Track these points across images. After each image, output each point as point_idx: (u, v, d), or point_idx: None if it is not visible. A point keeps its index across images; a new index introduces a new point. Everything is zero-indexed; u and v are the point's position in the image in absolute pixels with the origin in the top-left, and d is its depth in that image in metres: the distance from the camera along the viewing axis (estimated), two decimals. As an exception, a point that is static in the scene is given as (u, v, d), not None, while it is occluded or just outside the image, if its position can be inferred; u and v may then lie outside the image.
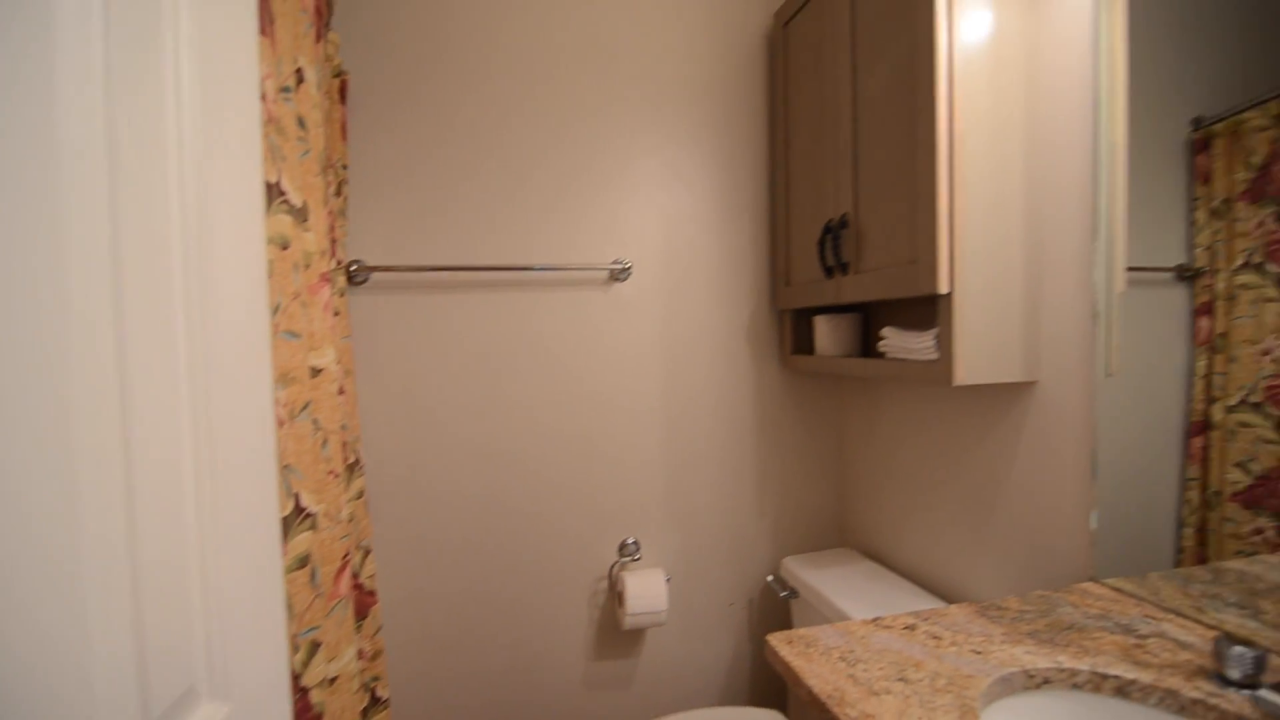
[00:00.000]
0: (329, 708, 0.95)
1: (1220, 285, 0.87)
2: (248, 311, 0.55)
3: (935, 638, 0.87)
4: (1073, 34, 1.06)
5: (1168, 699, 0.74)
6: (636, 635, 1.68)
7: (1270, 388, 0.82)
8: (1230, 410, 0.86)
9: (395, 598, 1.51)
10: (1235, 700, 0.71)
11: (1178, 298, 0.92)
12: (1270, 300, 0.82)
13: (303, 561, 0.86)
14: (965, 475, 1.32)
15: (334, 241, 1.21)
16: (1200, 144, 0.89)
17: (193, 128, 0.47)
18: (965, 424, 1.32)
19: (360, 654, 1.21)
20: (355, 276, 1.46)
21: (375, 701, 1.31)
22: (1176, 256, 0.92)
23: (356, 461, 1.28)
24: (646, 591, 1.55)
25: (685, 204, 1.67)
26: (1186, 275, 0.91)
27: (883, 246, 1.23)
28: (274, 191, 0.81)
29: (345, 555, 1.02)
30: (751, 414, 1.73)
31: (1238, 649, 0.73)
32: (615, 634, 1.67)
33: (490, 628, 1.57)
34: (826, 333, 1.52)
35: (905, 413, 1.51)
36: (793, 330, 1.67)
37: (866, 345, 1.57)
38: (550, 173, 1.58)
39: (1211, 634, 0.86)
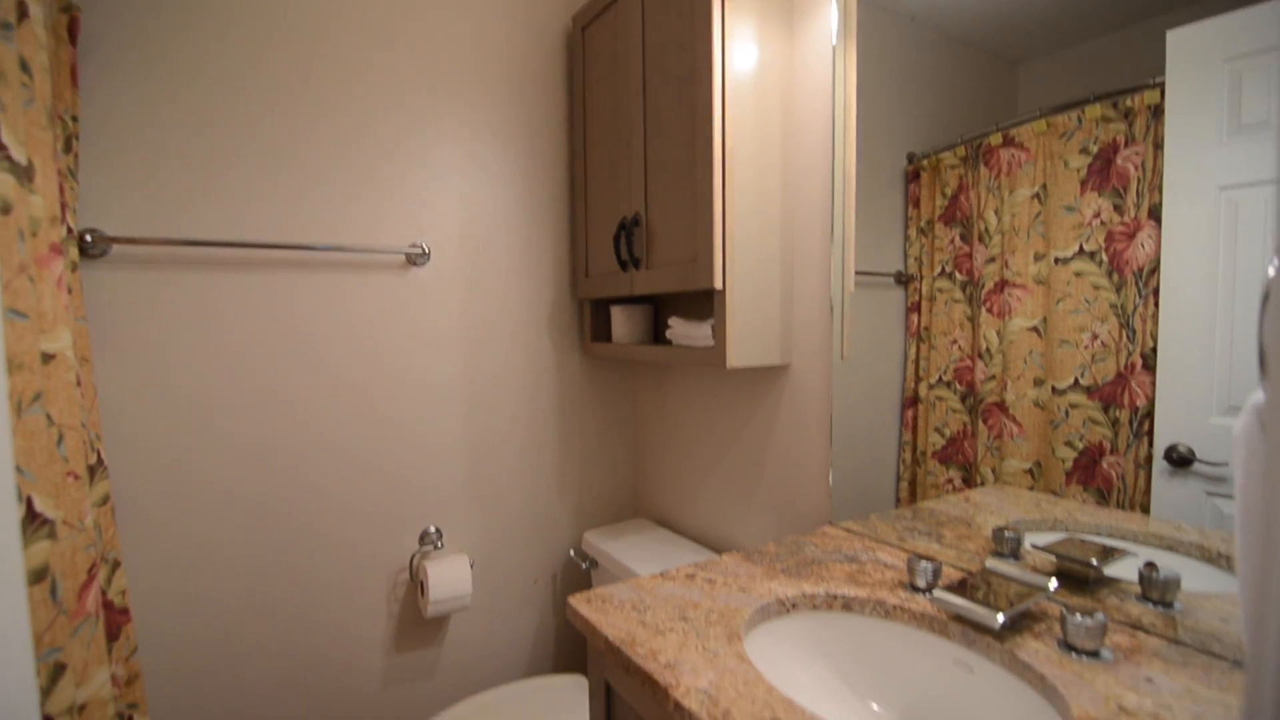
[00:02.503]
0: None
1: (925, 288, 1.13)
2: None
3: (710, 582, 1.02)
4: (816, 73, 1.28)
5: (878, 607, 0.95)
6: (439, 622, 1.67)
7: (957, 369, 1.08)
8: (931, 387, 1.12)
9: (153, 615, 1.33)
10: (921, 602, 0.94)
11: (896, 298, 1.17)
12: (957, 301, 1.07)
13: (40, 575, 0.74)
14: (738, 447, 1.53)
15: (64, 206, 1.03)
16: (912, 174, 1.14)
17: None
18: (737, 403, 1.52)
19: (114, 680, 1.05)
20: (91, 248, 1.24)
21: (128, 732, 1.15)
22: (896, 264, 1.17)
23: (99, 462, 1.11)
24: (449, 577, 1.55)
25: (486, 193, 1.68)
26: (902, 280, 1.16)
27: (669, 244, 1.37)
28: (-9, 145, 0.68)
29: (91, 568, 0.89)
30: (553, 398, 1.80)
31: (922, 563, 0.97)
32: (417, 624, 1.64)
33: (274, 639, 1.45)
34: (622, 322, 1.64)
35: (690, 395, 1.69)
36: (592, 319, 1.77)
37: (658, 333, 1.73)
38: (345, 152, 1.48)
39: (906, 556, 1.12)
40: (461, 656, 1.70)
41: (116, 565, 1.13)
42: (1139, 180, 0.85)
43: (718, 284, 1.24)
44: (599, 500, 1.90)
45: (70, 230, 1.08)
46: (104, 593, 1.08)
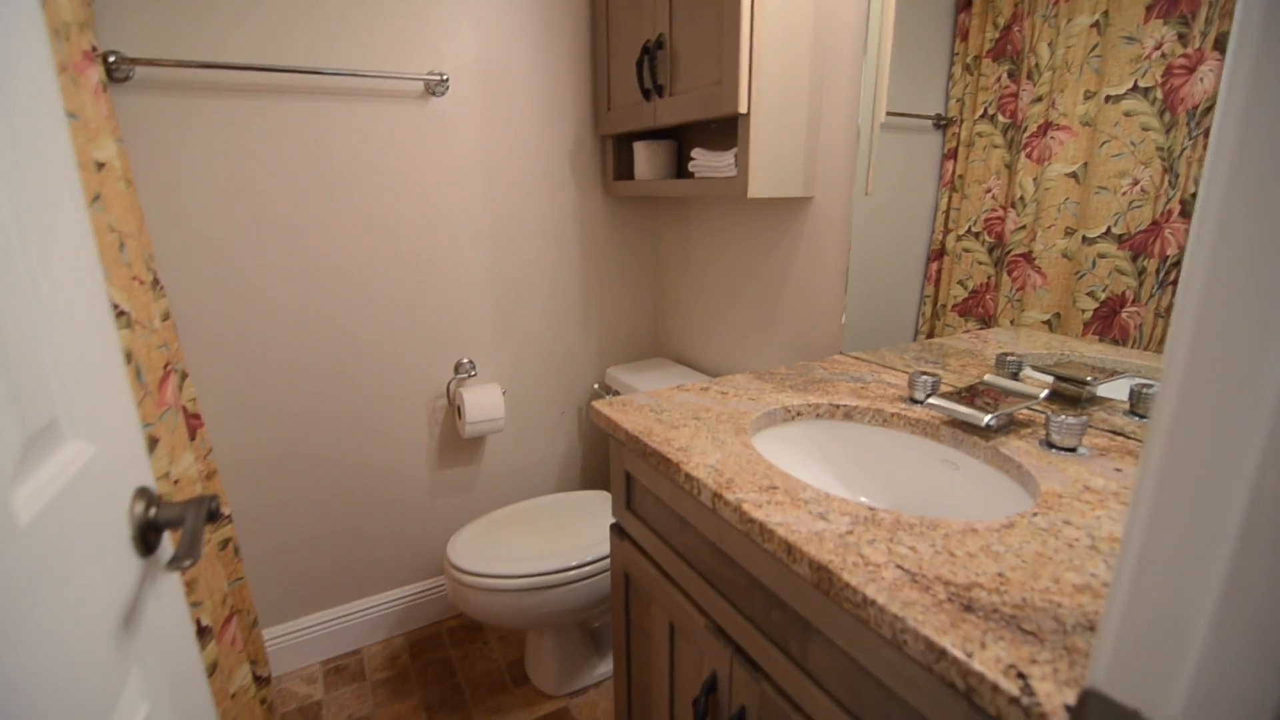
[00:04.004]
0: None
1: (964, 133, 1.08)
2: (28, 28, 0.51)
3: (722, 393, 1.10)
4: None
5: (876, 415, 1.03)
6: (477, 444, 1.83)
7: (988, 219, 1.07)
8: (959, 239, 1.12)
9: (221, 421, 1.48)
10: (918, 410, 1.01)
11: (933, 144, 1.13)
12: (996, 147, 1.04)
13: (126, 358, 0.84)
14: (756, 282, 1.56)
15: (89, 17, 1.02)
16: (964, 2, 1.06)
17: None
18: (759, 237, 1.53)
19: (202, 475, 1.21)
20: (115, 70, 1.24)
21: (215, 517, 1.33)
22: (936, 106, 1.12)
23: (156, 281, 1.19)
24: (483, 402, 1.68)
25: (505, 17, 1.60)
26: (941, 124, 1.12)
27: (694, 68, 1.32)
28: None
29: (165, 365, 0.99)
30: (576, 238, 1.83)
31: (923, 377, 1.03)
32: (456, 444, 1.80)
33: (331, 448, 1.62)
34: (645, 158, 1.62)
35: (712, 231, 1.70)
36: (614, 156, 1.75)
37: (680, 170, 1.70)
38: (350, -38, 1.41)
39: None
40: (497, 474, 1.88)
41: (185, 376, 1.25)
42: (1209, 4, 0.79)
43: (742, 108, 1.21)
44: (621, 339, 1.98)
45: (95, 48, 1.08)
46: (181, 404, 1.21)
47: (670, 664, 0.99)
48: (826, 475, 1.02)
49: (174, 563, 0.56)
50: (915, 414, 0.99)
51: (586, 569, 1.45)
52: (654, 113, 1.46)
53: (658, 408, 1.03)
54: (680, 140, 1.70)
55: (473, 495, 1.86)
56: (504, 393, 1.81)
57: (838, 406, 1.05)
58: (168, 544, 0.64)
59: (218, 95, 1.35)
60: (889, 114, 1.18)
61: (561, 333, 1.88)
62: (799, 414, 1.06)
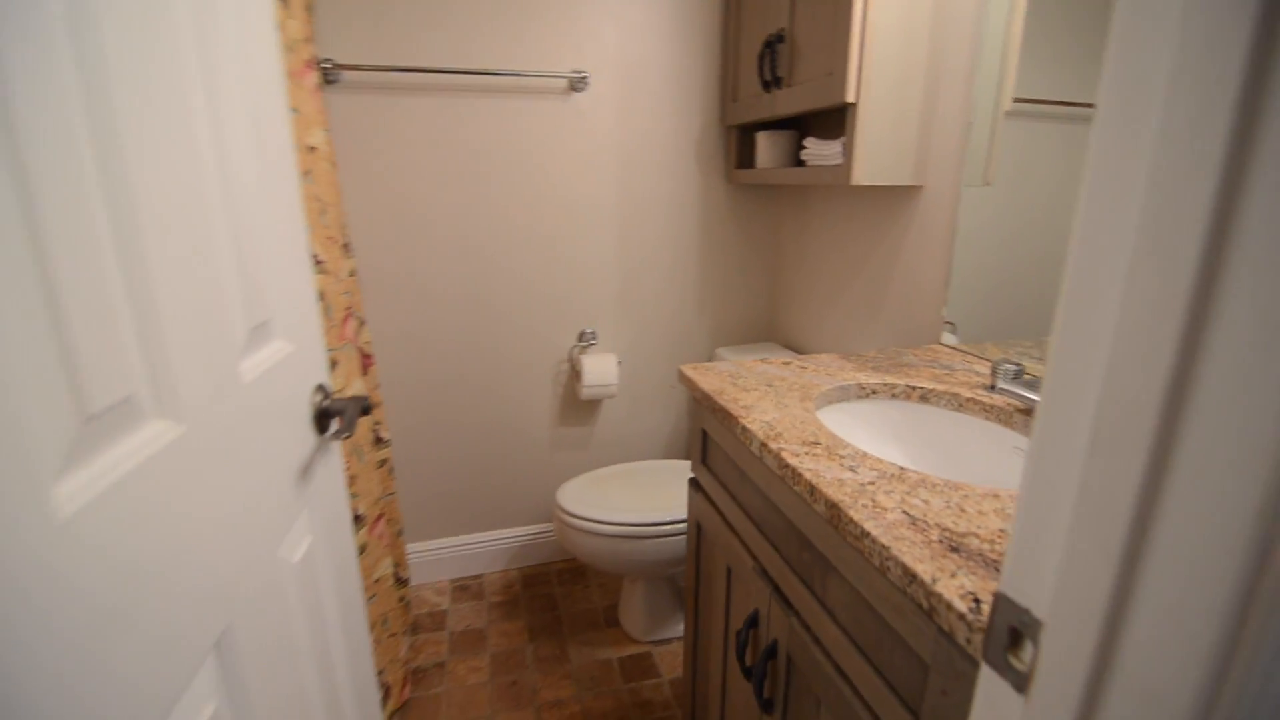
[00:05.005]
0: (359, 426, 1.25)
1: None
2: (266, 55, 0.72)
3: (802, 368, 1.17)
4: None
5: (952, 400, 1.05)
6: (593, 407, 2.02)
7: None
8: None
9: (389, 365, 1.79)
10: (995, 397, 1.02)
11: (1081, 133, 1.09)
12: None
13: (320, 296, 1.10)
14: (866, 270, 1.58)
15: (310, 34, 1.31)
16: None
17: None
18: (870, 225, 1.55)
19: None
20: (328, 74, 1.56)
21: (379, 441, 1.63)
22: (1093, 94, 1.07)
23: (348, 246, 1.48)
24: (600, 369, 1.86)
25: (644, 16, 1.74)
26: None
27: (810, 60, 1.38)
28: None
29: (348, 309, 1.26)
30: (697, 222, 1.95)
31: (1005, 365, 1.03)
32: (575, 405, 2.01)
33: (471, 400, 1.89)
34: (766, 147, 1.69)
35: (827, 220, 1.73)
36: (737, 145, 1.84)
37: (799, 159, 1.75)
38: (512, -24, 1.63)
39: (1001, 367, 1.17)
40: (608, 437, 2.06)
41: (362, 322, 1.55)
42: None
43: (849, 97, 1.26)
44: (734, 321, 2.07)
45: (314, 57, 1.38)
46: (358, 343, 1.50)
47: (726, 605, 1.09)
48: (893, 451, 1.06)
49: (336, 435, 0.77)
50: (992, 400, 1.00)
51: (676, 526, 1.57)
52: (773, 103, 1.53)
53: (736, 374, 1.13)
54: (802, 130, 1.75)
55: (586, 453, 2.06)
56: (619, 363, 1.98)
57: (914, 389, 1.08)
58: (333, 429, 0.85)
59: (404, 94, 1.63)
60: (1026, 100, 1.16)
61: (678, 312, 2.01)
62: (874, 392, 1.10)
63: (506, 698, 1.57)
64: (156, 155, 0.48)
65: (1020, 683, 0.39)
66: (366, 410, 0.84)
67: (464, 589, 1.99)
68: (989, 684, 0.41)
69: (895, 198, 1.45)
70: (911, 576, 0.56)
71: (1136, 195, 0.29)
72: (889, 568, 0.59)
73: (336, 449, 0.88)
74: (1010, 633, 0.40)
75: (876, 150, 1.30)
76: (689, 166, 1.89)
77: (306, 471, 0.77)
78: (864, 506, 0.67)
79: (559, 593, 1.97)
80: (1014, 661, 0.39)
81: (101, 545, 0.40)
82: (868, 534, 0.62)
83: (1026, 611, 0.42)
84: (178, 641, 0.48)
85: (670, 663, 1.69)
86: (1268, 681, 0.27)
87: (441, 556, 2.00)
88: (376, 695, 1.01)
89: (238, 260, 0.62)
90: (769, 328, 2.10)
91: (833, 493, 0.69)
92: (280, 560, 0.69)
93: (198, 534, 0.51)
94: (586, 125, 1.78)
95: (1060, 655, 0.36)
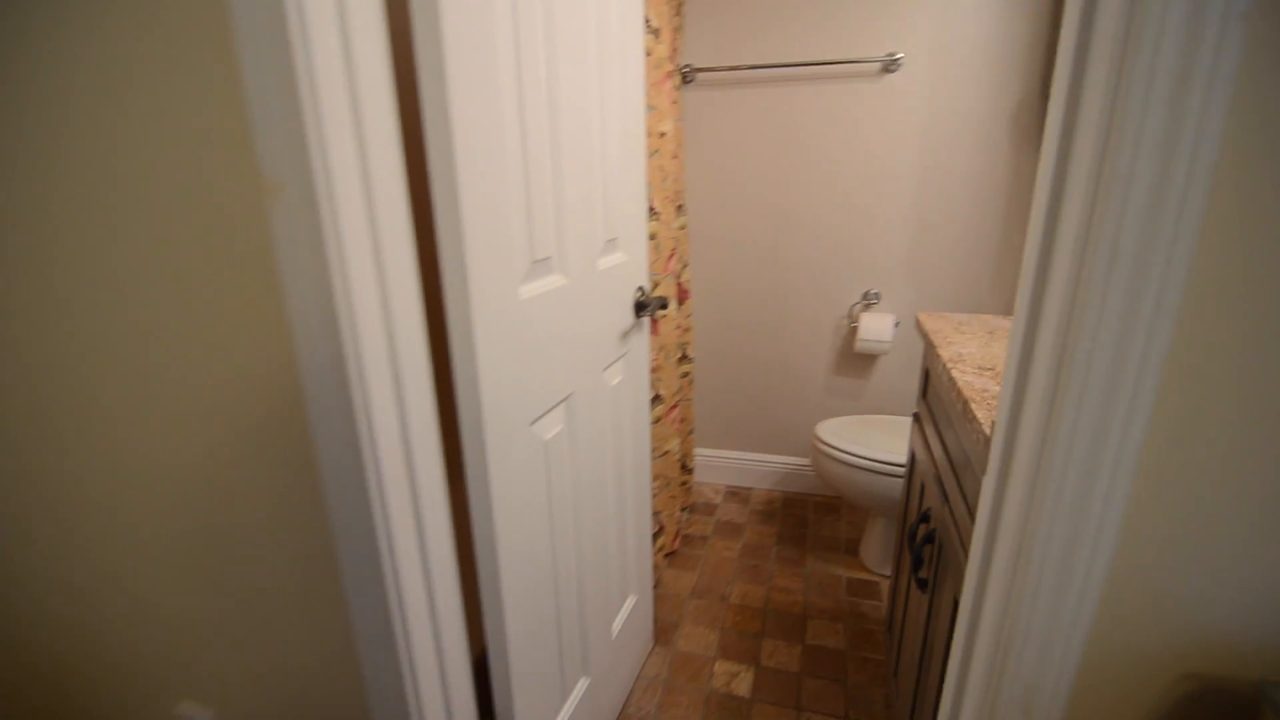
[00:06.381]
0: (666, 334, 1.76)
1: None
2: (633, 75, 1.19)
3: (1039, 327, 1.25)
4: None
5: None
6: (867, 361, 2.23)
7: None
8: None
9: (702, 299, 2.29)
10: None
11: None
12: None
13: (652, 236, 1.60)
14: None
15: (675, 51, 1.81)
16: None
17: (620, -3, 1.09)
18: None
19: (679, 326, 2.02)
20: (687, 77, 2.06)
21: (684, 358, 2.14)
22: None
23: (681, 206, 1.99)
24: (877, 326, 2.06)
25: (967, -6, 1.83)
26: None
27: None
28: (645, 23, 1.43)
29: (672, 251, 1.75)
30: (1003, 196, 1.96)
31: None
32: (852, 358, 2.24)
33: (763, 337, 2.28)
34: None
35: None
36: (1057, 116, 1.79)
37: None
38: (841, -24, 1.89)
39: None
40: (879, 390, 2.24)
41: (685, 265, 2.05)
42: None
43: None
44: (1033, 298, 2.02)
45: (676, 66, 1.88)
46: (678, 276, 2.01)
47: (919, 515, 1.28)
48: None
49: (645, 310, 1.23)
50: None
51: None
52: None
53: (965, 324, 1.28)
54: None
55: (855, 403, 2.28)
56: (896, 324, 2.13)
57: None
58: (644, 319, 1.33)
59: (741, 86, 2.05)
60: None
61: (965, 281, 2.06)
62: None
63: (747, 574, 1.96)
64: (572, 134, 0.97)
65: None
66: (664, 306, 1.29)
67: (734, 494, 2.43)
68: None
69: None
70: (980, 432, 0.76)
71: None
72: (970, 427, 0.79)
73: (645, 326, 1.36)
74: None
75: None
76: (999, 138, 1.91)
77: (625, 336, 1.26)
78: (986, 403, 0.85)
79: (811, 517, 2.26)
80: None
81: (534, 316, 0.90)
82: (975, 417, 0.82)
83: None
84: (553, 380, 0.98)
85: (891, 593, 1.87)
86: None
87: (722, 465, 2.47)
88: (648, 507, 1.50)
89: (603, 200, 1.11)
90: (1076, 309, 1.99)
91: (969, 393, 0.89)
92: (603, 378, 1.18)
93: (567, 334, 1.01)
94: (896, 103, 1.95)
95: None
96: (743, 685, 1.53)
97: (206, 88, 0.61)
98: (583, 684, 1.22)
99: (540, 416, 0.96)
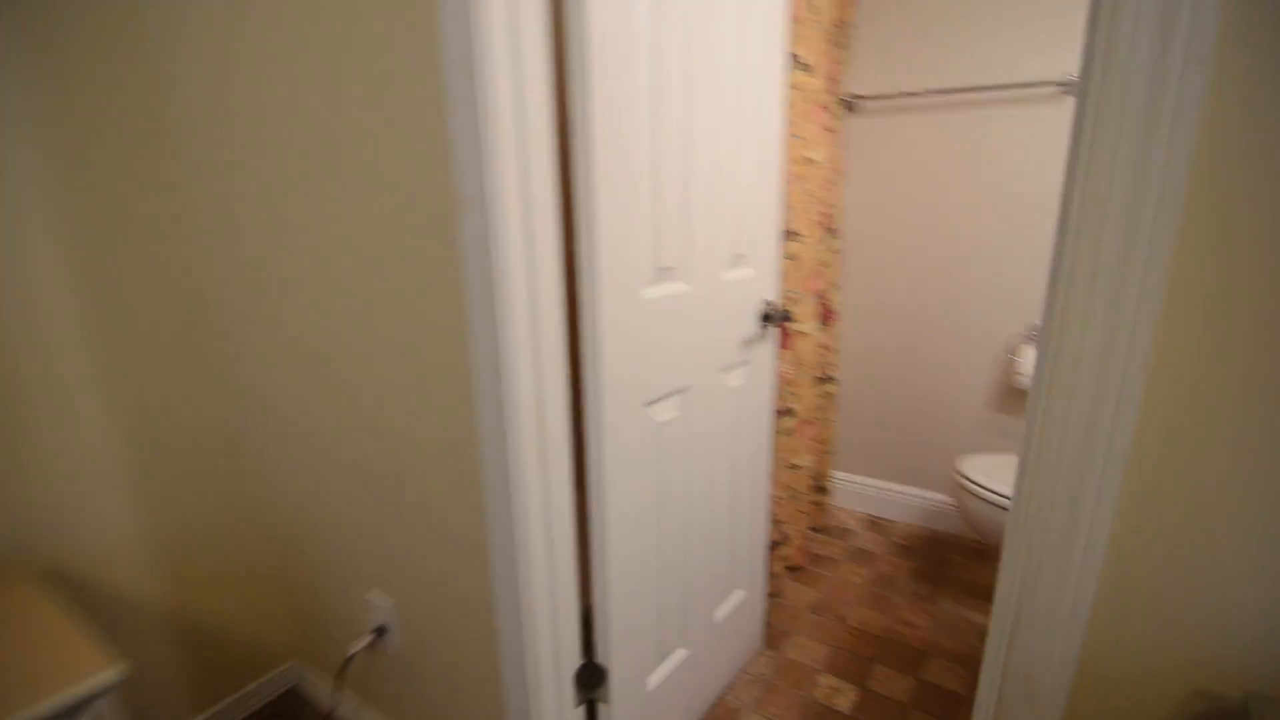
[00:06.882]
0: (804, 351, 1.83)
1: None
2: (770, 109, 1.32)
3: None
4: None
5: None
6: (1024, 396, 2.08)
7: None
8: None
9: (853, 322, 2.31)
10: None
11: None
12: None
13: (791, 256, 1.70)
14: None
15: (834, 81, 1.90)
16: None
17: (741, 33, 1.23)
18: None
19: (823, 345, 2.07)
20: (851, 105, 2.12)
21: (827, 378, 2.18)
22: None
23: (834, 229, 2.05)
24: (1040, 362, 1.93)
25: None
26: None
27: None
28: (794, 59, 1.55)
29: (817, 271, 1.82)
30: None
31: None
32: (1009, 392, 2.10)
33: (914, 365, 2.24)
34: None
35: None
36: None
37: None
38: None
39: None
40: (1045, 435, 2.08)
41: (835, 285, 2.10)
42: None
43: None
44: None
45: (837, 96, 1.96)
46: (823, 296, 2.07)
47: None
48: None
49: (770, 321, 1.34)
50: None
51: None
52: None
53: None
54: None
55: (1010, 441, 2.13)
56: (1068, 362, 1.97)
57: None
58: (770, 330, 1.43)
59: (905, 113, 2.07)
60: None
61: (1157, 321, 1.85)
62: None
63: (872, 601, 1.94)
64: (703, 165, 1.13)
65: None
66: (787, 318, 1.39)
67: (874, 524, 2.38)
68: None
69: None
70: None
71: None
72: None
73: (771, 337, 1.47)
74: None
75: None
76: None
77: (749, 344, 1.38)
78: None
79: (955, 559, 2.15)
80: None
81: (654, 315, 1.07)
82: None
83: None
84: (670, 372, 1.14)
85: (1038, 653, 1.73)
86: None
87: (863, 492, 2.44)
88: (765, 511, 1.59)
89: (733, 221, 1.25)
90: None
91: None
92: (721, 379, 1.31)
93: (686, 334, 1.16)
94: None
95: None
96: (844, 701, 1.54)
97: (425, 130, 0.87)
98: (680, 654, 1.35)
99: (655, 401, 1.13)
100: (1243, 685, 0.54)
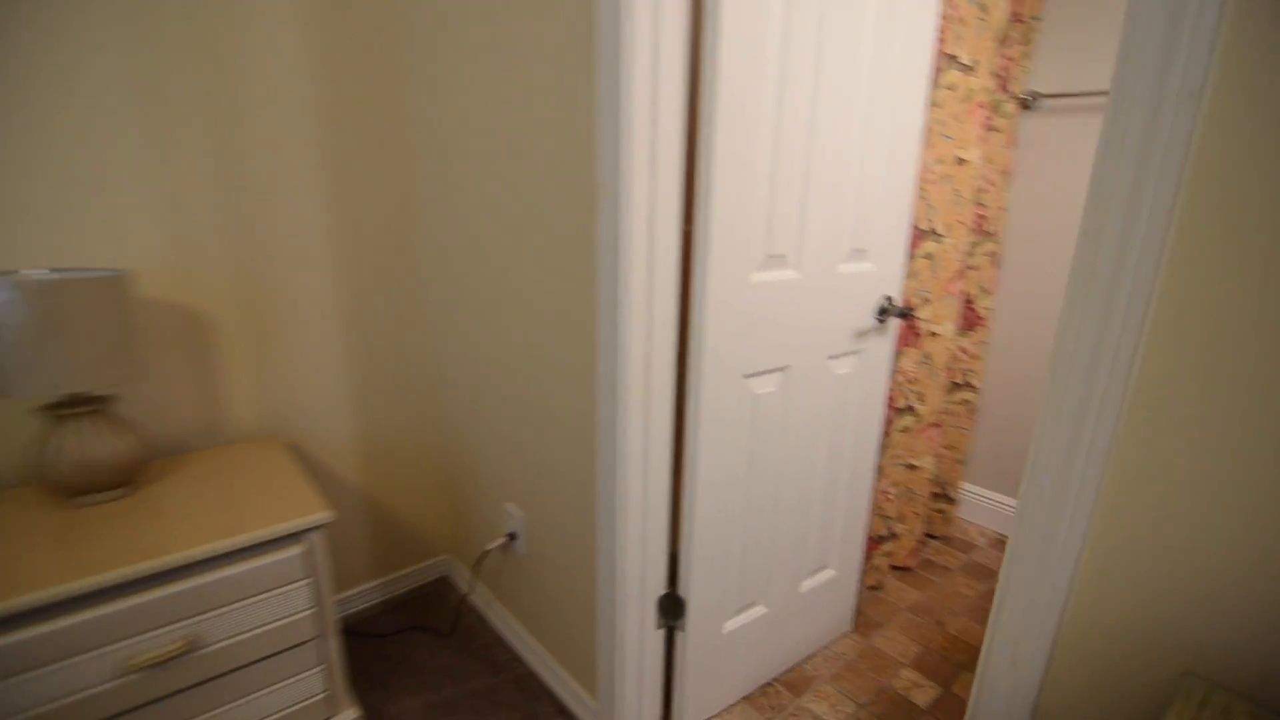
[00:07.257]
0: (934, 352, 1.82)
1: None
2: (909, 109, 1.36)
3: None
4: None
5: None
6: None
7: None
8: None
9: (1002, 330, 2.21)
10: None
11: None
12: None
13: (928, 256, 1.70)
14: None
15: (1004, 80, 1.83)
16: None
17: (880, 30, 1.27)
18: None
19: (966, 350, 2.02)
20: (1030, 103, 2.02)
21: (965, 385, 2.12)
22: None
23: (992, 233, 1.98)
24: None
25: None
26: None
27: None
28: (951, 60, 1.54)
29: (958, 270, 1.80)
30: None
31: None
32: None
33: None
34: None
35: None
36: None
37: None
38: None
39: None
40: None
41: (984, 290, 2.03)
42: None
43: None
44: None
45: (1009, 94, 1.88)
46: (970, 301, 2.01)
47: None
48: None
49: (884, 315, 1.40)
50: None
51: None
52: None
53: None
54: None
55: (1181, 484, 1.92)
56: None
57: None
58: (889, 323, 1.48)
59: (1080, 113, 1.93)
60: None
61: None
62: None
63: (977, 615, 1.89)
64: (824, 164, 1.22)
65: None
66: (905, 315, 1.43)
67: (1001, 543, 2.28)
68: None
69: None
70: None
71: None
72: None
73: (890, 331, 1.51)
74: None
75: None
76: None
77: (862, 335, 1.44)
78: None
79: (1088, 594, 2.01)
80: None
81: (760, 297, 1.20)
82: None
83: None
84: (771, 350, 1.26)
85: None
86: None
87: (996, 509, 2.33)
88: (865, 499, 1.64)
89: (855, 217, 1.32)
90: None
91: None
92: (828, 365, 1.40)
93: (792, 317, 1.27)
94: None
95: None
96: (922, 697, 1.57)
97: (579, 124, 1.08)
98: (759, 609, 1.48)
99: (755, 374, 1.26)
100: (1224, 668, 0.57)
